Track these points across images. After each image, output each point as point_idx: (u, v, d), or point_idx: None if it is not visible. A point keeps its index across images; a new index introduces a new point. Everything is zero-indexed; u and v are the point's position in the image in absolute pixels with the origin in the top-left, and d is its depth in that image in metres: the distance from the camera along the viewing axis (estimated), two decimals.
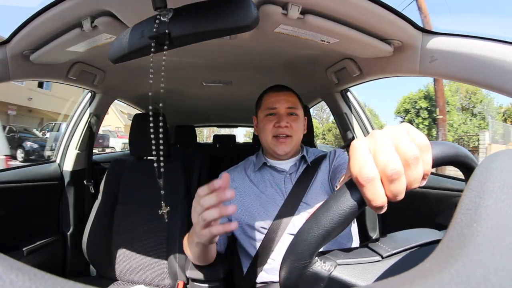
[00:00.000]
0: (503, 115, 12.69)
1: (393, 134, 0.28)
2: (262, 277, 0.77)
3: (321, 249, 0.31)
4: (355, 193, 0.28)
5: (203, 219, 0.49)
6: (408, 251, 0.34)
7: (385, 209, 0.27)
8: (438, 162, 0.29)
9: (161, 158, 0.49)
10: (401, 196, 0.26)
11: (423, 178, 0.27)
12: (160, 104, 0.49)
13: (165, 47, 0.46)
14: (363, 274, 0.31)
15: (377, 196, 0.26)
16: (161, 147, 0.48)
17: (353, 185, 0.28)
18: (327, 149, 1.25)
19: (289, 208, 0.77)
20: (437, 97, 6.32)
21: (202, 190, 0.49)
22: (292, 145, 0.84)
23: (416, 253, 0.34)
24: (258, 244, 0.78)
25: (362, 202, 0.27)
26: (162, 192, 0.54)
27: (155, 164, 0.50)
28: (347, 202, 0.28)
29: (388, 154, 0.26)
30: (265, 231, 0.77)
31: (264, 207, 0.80)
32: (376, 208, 0.27)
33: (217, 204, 0.47)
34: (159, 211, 0.57)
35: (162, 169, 0.50)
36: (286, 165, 0.87)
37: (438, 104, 6.33)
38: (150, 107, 0.52)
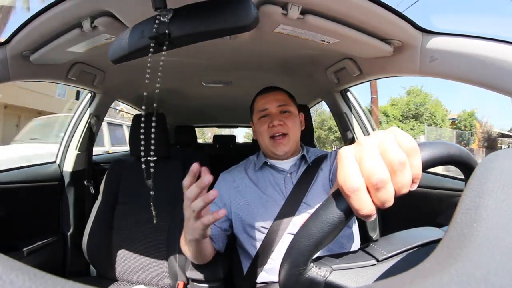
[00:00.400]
0: (454, 122, 15.23)
1: (379, 140, 0.27)
2: (262, 277, 0.77)
3: (318, 254, 0.31)
4: (342, 203, 0.28)
5: (192, 210, 0.50)
6: (404, 253, 0.34)
7: (373, 217, 0.26)
8: (432, 163, 0.29)
9: (152, 159, 0.49)
10: (390, 203, 0.26)
11: (413, 182, 0.27)
12: (154, 105, 0.50)
13: (165, 47, 0.46)
14: (358, 278, 0.32)
15: (364, 206, 0.26)
16: (152, 147, 0.48)
17: (340, 194, 0.28)
18: None
19: (289, 208, 0.77)
20: (372, 113, 8.60)
21: (185, 181, 0.50)
22: (290, 143, 0.84)
23: (412, 254, 0.34)
24: (258, 244, 0.78)
25: (349, 211, 0.27)
26: (152, 193, 0.54)
27: (143, 166, 0.51)
28: (335, 211, 0.28)
29: (373, 162, 0.26)
30: (266, 231, 0.77)
31: (264, 207, 0.79)
32: (363, 217, 0.26)
33: (200, 194, 0.49)
34: (151, 208, 0.58)
35: (152, 169, 0.50)
36: (286, 164, 0.87)
37: (372, 118, 8.79)
38: (143, 107, 0.52)
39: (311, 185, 0.80)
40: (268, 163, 0.87)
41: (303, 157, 0.87)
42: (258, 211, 0.79)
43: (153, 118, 0.49)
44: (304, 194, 0.79)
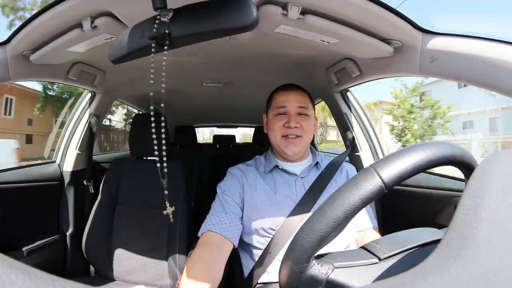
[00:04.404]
0: None
1: None
2: (264, 277, 0.77)
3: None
4: (349, 198, 0.28)
5: None
6: (406, 252, 0.34)
7: None
8: (435, 163, 0.29)
9: (164, 159, 0.49)
10: None
11: None
12: (162, 105, 0.49)
13: (165, 47, 0.46)
14: (360, 277, 0.31)
15: None
16: (164, 147, 0.48)
17: (347, 190, 0.28)
18: None
19: (298, 213, 0.77)
20: None
21: None
22: (302, 145, 0.84)
23: (414, 254, 0.34)
24: (264, 245, 0.78)
25: (355, 208, 0.27)
26: (166, 192, 0.53)
27: (158, 165, 0.50)
28: (341, 207, 0.28)
29: None
30: (273, 232, 0.77)
31: (274, 208, 0.79)
32: None
33: None
34: (164, 211, 0.57)
35: (165, 170, 0.50)
36: (297, 168, 0.86)
37: None
38: (151, 107, 0.52)
39: (323, 193, 0.80)
40: (280, 166, 0.86)
41: (316, 164, 0.87)
42: (267, 212, 0.79)
43: (162, 118, 0.49)
44: (315, 201, 0.78)
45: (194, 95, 1.77)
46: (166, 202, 0.55)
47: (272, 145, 0.89)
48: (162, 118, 0.50)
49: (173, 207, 0.57)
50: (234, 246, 0.76)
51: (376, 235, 0.84)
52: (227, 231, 0.74)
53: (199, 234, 0.77)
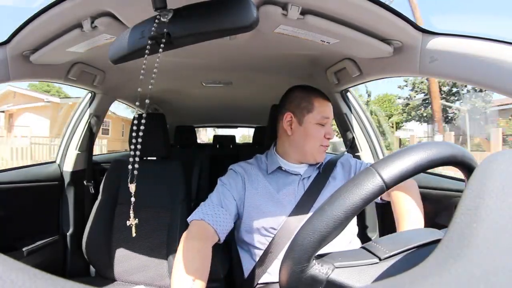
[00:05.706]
0: None
1: None
2: (265, 278, 0.77)
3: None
4: (350, 198, 0.28)
5: None
6: (406, 252, 0.34)
7: None
8: (435, 163, 0.29)
9: (137, 159, 0.49)
10: None
11: None
12: (147, 101, 0.49)
13: (164, 47, 0.46)
14: (361, 277, 0.31)
15: None
16: (138, 146, 0.48)
17: (347, 190, 0.28)
18: None
19: (299, 213, 0.77)
20: None
21: None
22: None
23: (415, 254, 0.34)
24: (264, 245, 0.78)
25: (356, 207, 0.27)
26: (133, 199, 0.53)
27: (130, 166, 0.50)
28: (341, 207, 0.28)
29: None
30: (274, 231, 0.77)
31: (275, 208, 0.79)
32: None
33: None
34: (127, 222, 0.56)
35: (135, 171, 0.49)
36: (301, 169, 0.86)
37: None
38: (146, 107, 0.52)
39: (322, 191, 0.80)
40: (283, 168, 0.85)
41: (318, 165, 0.87)
42: (269, 211, 0.78)
43: (144, 119, 0.49)
44: (314, 200, 0.79)
45: (194, 95, 1.77)
46: (131, 212, 0.54)
47: (300, 149, 0.84)
48: (144, 117, 0.50)
49: (136, 219, 0.57)
50: (219, 241, 0.74)
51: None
52: (220, 225, 0.73)
53: (189, 220, 0.74)
